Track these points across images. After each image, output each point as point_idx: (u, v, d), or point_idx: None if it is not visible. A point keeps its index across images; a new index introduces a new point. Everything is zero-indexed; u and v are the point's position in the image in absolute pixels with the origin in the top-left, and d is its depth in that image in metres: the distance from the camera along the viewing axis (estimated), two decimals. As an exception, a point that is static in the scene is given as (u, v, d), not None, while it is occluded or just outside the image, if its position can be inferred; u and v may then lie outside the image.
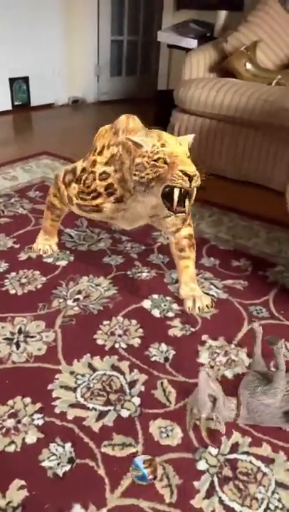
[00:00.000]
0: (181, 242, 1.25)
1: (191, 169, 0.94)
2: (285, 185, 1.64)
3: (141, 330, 1.18)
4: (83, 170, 1.20)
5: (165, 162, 0.97)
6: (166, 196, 0.99)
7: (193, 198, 1.00)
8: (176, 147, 0.99)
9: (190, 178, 0.94)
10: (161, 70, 3.74)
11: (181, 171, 0.94)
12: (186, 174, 0.94)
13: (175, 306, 1.28)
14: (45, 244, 1.49)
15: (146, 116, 3.52)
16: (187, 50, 2.71)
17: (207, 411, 0.86)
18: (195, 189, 0.97)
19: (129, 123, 1.16)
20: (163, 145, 0.99)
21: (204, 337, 1.16)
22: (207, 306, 1.24)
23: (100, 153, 1.16)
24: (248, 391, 0.89)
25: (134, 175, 1.02)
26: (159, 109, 2.97)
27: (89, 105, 4.04)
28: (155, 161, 0.98)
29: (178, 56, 3.21)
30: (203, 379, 0.86)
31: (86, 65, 3.91)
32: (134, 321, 1.20)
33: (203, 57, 2.49)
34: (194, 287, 1.27)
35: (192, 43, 2.71)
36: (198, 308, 1.23)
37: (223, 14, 2.77)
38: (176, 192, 0.97)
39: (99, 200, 1.16)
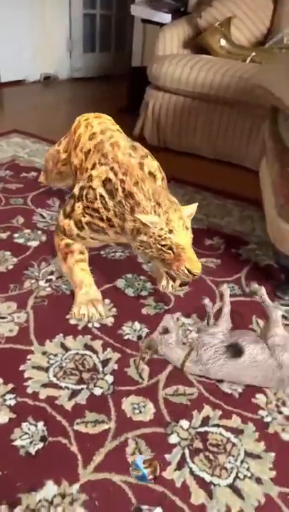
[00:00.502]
0: None
1: (196, 269, 0.98)
2: (258, 163, 1.65)
3: (114, 309, 1.18)
4: (81, 188, 1.15)
5: (171, 249, 0.98)
6: (168, 273, 1.05)
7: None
8: (183, 236, 0.99)
9: (193, 275, 0.99)
10: (135, 45, 3.66)
11: (187, 269, 0.98)
12: (190, 272, 0.98)
13: (149, 285, 1.28)
14: (89, 305, 1.12)
15: (120, 94, 3.46)
16: (161, 25, 2.65)
17: (156, 344, 0.96)
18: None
19: (117, 154, 1.12)
20: (171, 231, 0.99)
21: (177, 314, 1.17)
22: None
23: (93, 168, 1.15)
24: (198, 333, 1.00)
25: (138, 248, 1.04)
26: (132, 86, 2.91)
27: (61, 82, 3.93)
28: (162, 245, 0.99)
29: (152, 32, 3.14)
30: (166, 317, 0.98)
31: (58, 39, 3.78)
32: (107, 301, 1.20)
33: (176, 32, 2.44)
34: None
35: (166, 17, 2.65)
36: (172, 286, 1.24)
37: (197, -12, 2.71)
38: (178, 282, 1.06)
39: (103, 224, 1.13)
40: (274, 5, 2.50)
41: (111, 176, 1.09)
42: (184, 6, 2.77)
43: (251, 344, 0.95)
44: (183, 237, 1.00)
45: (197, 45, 2.41)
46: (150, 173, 1.11)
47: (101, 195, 1.10)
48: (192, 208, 1.08)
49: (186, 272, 0.98)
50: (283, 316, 1.20)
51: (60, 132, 2.53)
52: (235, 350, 0.95)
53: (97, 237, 1.18)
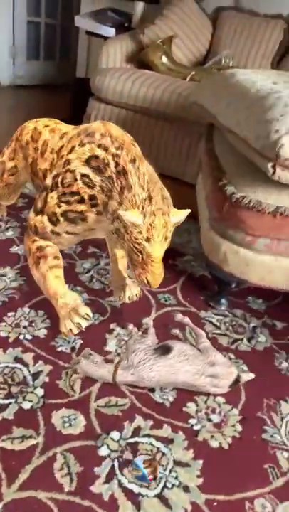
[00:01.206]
0: None
1: (154, 285, 0.97)
2: (196, 178, 1.71)
3: (48, 320, 1.15)
4: (55, 177, 1.05)
5: (141, 253, 0.94)
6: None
7: None
8: (157, 249, 0.95)
9: (150, 286, 0.98)
10: (80, 56, 3.66)
11: (146, 279, 0.96)
12: (148, 283, 0.97)
13: (85, 295, 1.27)
14: (72, 316, 1.02)
15: (64, 104, 3.43)
16: (105, 38, 2.68)
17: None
18: None
19: (110, 129, 1.02)
20: (148, 239, 0.93)
21: (112, 325, 1.17)
22: (136, 294, 1.25)
23: (71, 151, 1.04)
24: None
25: (112, 233, 1.00)
26: (76, 96, 2.91)
27: (3, 88, 3.83)
28: (134, 247, 0.94)
29: (97, 43, 3.16)
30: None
31: (0, 45, 3.70)
32: (41, 312, 1.17)
33: (120, 46, 2.48)
34: (125, 277, 1.28)
35: (110, 31, 2.69)
36: (128, 297, 1.23)
37: (140, 5, 2.77)
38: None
39: (83, 207, 1.02)
40: (213, 28, 2.62)
41: (98, 152, 0.98)
42: (128, 22, 2.83)
43: (179, 343, 1.00)
44: (157, 250, 0.94)
45: (140, 60, 2.46)
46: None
47: (83, 175, 0.99)
48: (181, 216, 1.00)
49: (145, 282, 0.96)
50: (215, 325, 1.24)
51: (1, 140, 2.48)
52: (163, 350, 0.98)
53: (72, 229, 1.07)
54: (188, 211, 1.01)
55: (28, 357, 1.02)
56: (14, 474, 0.77)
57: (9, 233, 1.51)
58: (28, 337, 1.08)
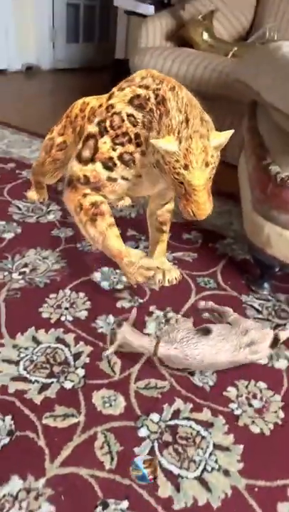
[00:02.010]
0: (165, 216, 1.25)
1: (201, 215, 0.93)
2: (237, 159, 1.66)
3: (89, 302, 1.16)
4: (100, 123, 1.02)
5: (182, 184, 0.92)
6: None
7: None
8: (197, 176, 0.90)
9: (196, 217, 0.94)
10: (119, 37, 3.62)
11: (191, 210, 0.93)
12: (193, 214, 0.93)
13: (125, 278, 1.27)
14: (141, 274, 1.07)
15: (103, 86, 3.42)
16: (144, 16, 2.63)
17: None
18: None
19: (152, 71, 1.01)
20: (186, 167, 0.89)
21: (152, 308, 1.17)
22: (176, 278, 1.25)
23: (110, 98, 1.02)
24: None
25: (154, 167, 0.97)
26: (115, 78, 2.88)
27: (44, 72, 3.87)
28: (175, 178, 0.91)
29: (136, 23, 3.10)
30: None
31: (40, 29, 3.72)
32: (81, 294, 1.19)
33: (159, 24, 2.42)
34: (164, 261, 1.28)
35: (149, 9, 2.63)
36: (168, 280, 1.23)
37: (181, -20, 2.69)
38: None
39: (132, 147, 1.00)
40: (256, 0, 2.50)
41: (140, 91, 0.97)
42: (167, -2, 2.75)
43: (216, 325, 0.99)
44: (197, 177, 0.90)
45: (180, 37, 2.40)
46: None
47: (128, 115, 0.98)
48: (223, 138, 0.93)
49: (191, 214, 0.93)
50: (257, 310, 1.20)
51: (41, 123, 2.51)
52: (204, 331, 0.96)
53: (127, 174, 1.04)
54: (231, 132, 0.95)
55: (70, 338, 1.04)
56: (57, 450, 0.80)
57: (51, 216, 1.53)
58: (70, 318, 1.10)
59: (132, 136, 0.99)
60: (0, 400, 0.87)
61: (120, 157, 1.02)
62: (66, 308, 1.13)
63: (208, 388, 0.96)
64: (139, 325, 1.11)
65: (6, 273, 1.23)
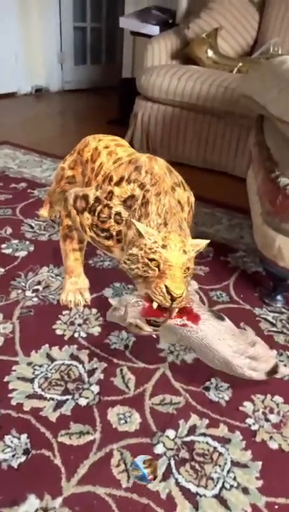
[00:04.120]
0: None
1: (177, 291, 0.84)
2: (246, 172, 1.67)
3: (101, 318, 1.17)
4: (97, 199, 1.06)
5: (158, 267, 0.88)
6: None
7: (173, 314, 0.89)
8: (176, 255, 0.88)
9: (172, 298, 0.84)
10: (125, 57, 3.70)
11: (166, 287, 0.84)
12: (168, 293, 0.84)
13: (137, 293, 1.27)
14: (76, 293, 1.21)
15: (111, 105, 3.48)
16: (150, 36, 2.69)
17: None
18: (176, 309, 0.88)
19: (154, 167, 1.03)
20: (164, 246, 0.88)
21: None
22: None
23: (118, 184, 1.04)
24: None
25: (125, 263, 0.94)
26: (122, 97, 2.94)
27: (53, 94, 3.96)
28: (149, 260, 0.88)
29: (142, 43, 3.17)
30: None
31: (49, 52, 3.82)
32: (94, 310, 1.19)
33: (164, 44, 2.47)
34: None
35: (154, 29, 2.69)
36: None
37: (184, 0, 2.75)
38: (154, 305, 0.88)
39: (110, 242, 1.06)
40: (260, 16, 2.54)
41: (137, 192, 1.01)
42: (171, 18, 2.81)
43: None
44: (175, 256, 0.87)
45: (185, 56, 2.44)
46: (178, 202, 1.03)
47: (116, 213, 1.03)
48: (200, 242, 0.94)
49: (164, 291, 0.84)
50: (270, 323, 1.19)
51: (51, 143, 2.56)
52: (217, 315, 0.94)
53: (95, 244, 1.12)
54: (207, 241, 0.96)
55: (83, 354, 1.04)
56: (73, 469, 0.79)
57: (62, 234, 1.55)
58: (83, 335, 1.10)
59: (114, 234, 1.05)
60: (16, 418, 0.87)
61: (92, 238, 1.11)
62: (79, 325, 1.13)
63: (223, 403, 0.95)
64: (152, 340, 1.10)
65: (20, 291, 1.24)
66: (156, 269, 0.88)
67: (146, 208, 0.96)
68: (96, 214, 1.06)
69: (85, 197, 1.10)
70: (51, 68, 3.90)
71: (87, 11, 3.98)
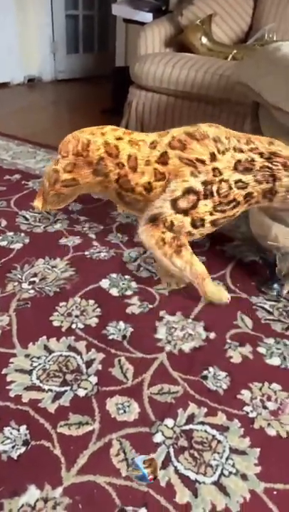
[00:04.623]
0: None
1: None
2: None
3: (98, 309, 1.17)
4: (205, 183, 1.07)
5: None
6: None
7: None
8: None
9: None
10: (118, 46, 3.65)
11: None
12: None
13: (134, 284, 1.27)
14: (220, 288, 1.23)
15: (105, 94, 3.44)
16: (143, 24, 2.65)
17: None
18: None
19: (227, 131, 1.12)
20: None
21: (162, 313, 1.17)
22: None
23: (214, 160, 1.07)
24: None
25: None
26: (116, 86, 2.90)
27: (46, 84, 3.91)
28: None
29: (135, 31, 3.13)
30: None
31: (41, 41, 3.77)
32: (91, 301, 1.19)
33: (158, 31, 2.43)
34: None
35: (147, 16, 2.65)
36: (176, 283, 1.26)
37: (177, -13, 2.71)
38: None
39: (237, 209, 1.10)
40: (254, 2, 2.51)
41: (239, 156, 1.07)
42: (165, 5, 2.77)
43: None
44: None
45: (179, 43, 2.41)
46: None
47: (237, 181, 1.07)
48: None
49: None
50: (267, 311, 1.20)
51: (45, 133, 2.54)
52: None
53: (207, 232, 1.15)
54: None
55: (81, 345, 1.04)
56: (73, 459, 0.80)
57: (58, 225, 1.54)
58: (80, 326, 1.10)
59: (241, 199, 1.09)
60: (14, 410, 0.87)
61: (213, 221, 1.11)
62: (76, 316, 1.13)
63: (221, 392, 0.95)
64: (149, 330, 1.11)
65: (16, 283, 1.23)
66: None
67: (280, 155, 1.04)
68: (215, 194, 1.08)
69: (188, 192, 1.09)
70: (44, 58, 3.85)
71: (79, -1, 3.92)
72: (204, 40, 2.33)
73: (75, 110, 3.17)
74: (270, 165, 1.05)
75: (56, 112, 3.18)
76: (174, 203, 1.10)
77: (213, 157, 1.08)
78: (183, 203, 1.09)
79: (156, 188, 1.14)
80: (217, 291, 1.19)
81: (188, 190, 1.09)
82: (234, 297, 1.24)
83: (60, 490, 0.75)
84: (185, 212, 1.09)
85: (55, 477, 0.77)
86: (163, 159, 1.13)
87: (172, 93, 2.21)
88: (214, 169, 1.07)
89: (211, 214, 1.09)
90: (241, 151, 1.07)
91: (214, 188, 1.07)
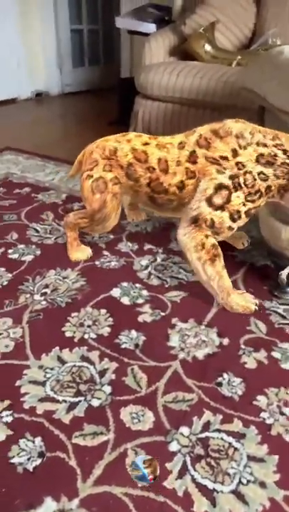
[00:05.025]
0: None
1: None
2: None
3: (110, 319, 1.17)
4: (232, 177, 1.11)
5: None
6: None
7: None
8: None
9: None
10: (123, 57, 3.70)
11: None
12: None
13: (145, 292, 1.27)
14: (246, 299, 1.21)
15: (111, 106, 3.48)
16: (147, 35, 2.68)
17: None
18: None
19: (253, 126, 1.14)
20: None
21: (174, 320, 1.16)
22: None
23: (236, 155, 1.11)
24: None
25: None
26: (122, 97, 2.93)
27: (53, 98, 3.97)
28: None
29: (139, 42, 3.17)
30: None
31: (47, 56, 3.83)
32: (103, 311, 1.19)
33: (162, 41, 2.46)
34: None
35: (151, 27, 2.68)
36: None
37: (180, -3, 2.74)
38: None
39: (261, 200, 1.14)
40: (257, 8, 2.52)
41: (261, 150, 1.09)
42: (168, 15, 2.80)
43: None
44: None
45: (183, 52, 2.43)
46: None
47: (259, 173, 1.10)
48: None
49: None
50: (281, 316, 1.18)
51: (53, 146, 2.57)
52: None
53: (243, 223, 1.17)
54: None
55: (94, 355, 1.04)
56: (88, 469, 0.79)
57: (68, 236, 1.55)
58: (93, 336, 1.10)
59: (263, 191, 1.12)
60: (29, 422, 0.87)
61: (247, 212, 1.13)
62: (89, 326, 1.13)
63: (237, 398, 0.94)
64: (162, 338, 1.10)
65: (28, 295, 1.24)
66: None
67: None
68: (243, 186, 1.11)
69: (219, 188, 1.12)
70: (50, 72, 3.91)
71: (83, 13, 3.99)
72: (208, 47, 2.34)
73: (82, 123, 3.21)
74: (280, 154, 1.07)
75: (64, 125, 3.23)
76: (209, 201, 1.13)
77: (235, 153, 1.11)
78: (218, 199, 1.12)
79: (188, 186, 1.17)
80: (244, 302, 1.20)
81: (220, 186, 1.12)
82: (247, 302, 1.22)
83: (76, 501, 0.74)
84: (222, 207, 1.12)
85: (71, 488, 0.76)
86: (192, 158, 1.16)
87: (178, 101, 2.22)
88: (237, 163, 1.11)
89: (244, 205, 1.12)
90: (265, 145, 1.09)
91: (241, 180, 1.11)
